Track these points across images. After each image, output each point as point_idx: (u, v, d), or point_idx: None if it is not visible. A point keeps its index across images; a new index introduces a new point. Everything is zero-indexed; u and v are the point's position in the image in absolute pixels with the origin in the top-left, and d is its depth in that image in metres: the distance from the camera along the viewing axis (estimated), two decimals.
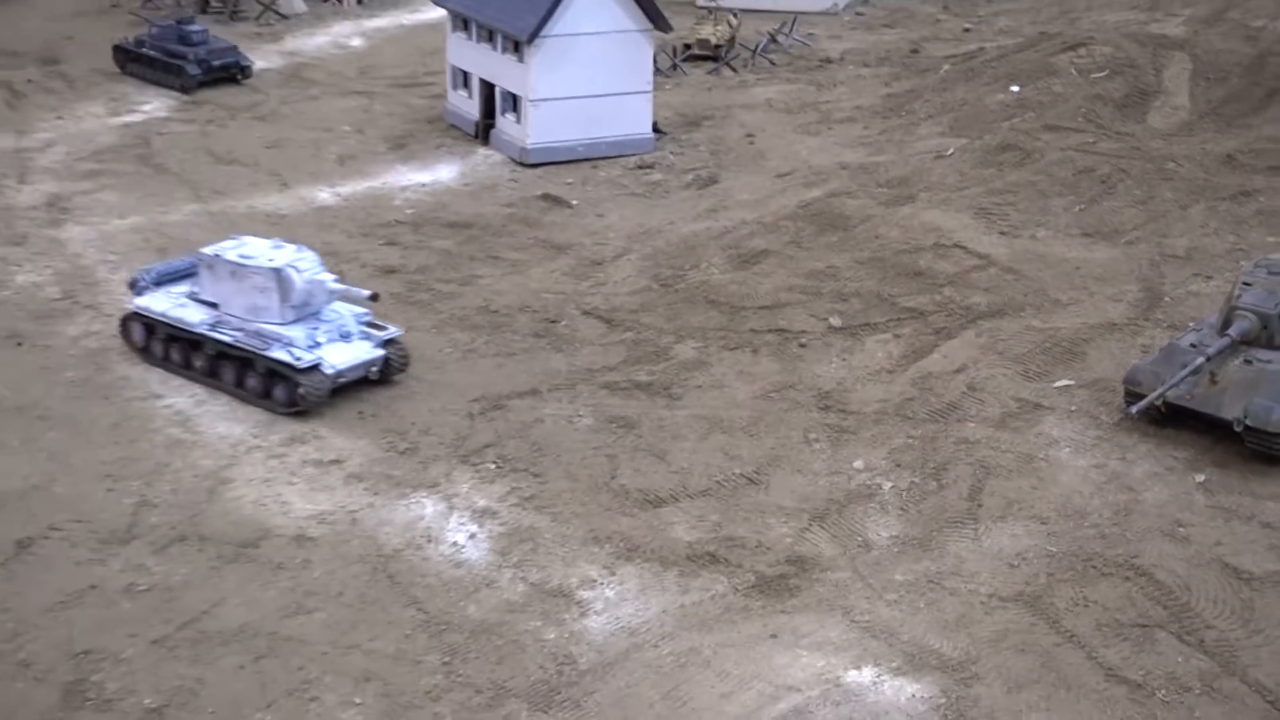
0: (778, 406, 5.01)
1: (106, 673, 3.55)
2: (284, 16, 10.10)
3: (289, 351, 5.57)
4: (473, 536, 4.44)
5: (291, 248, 5.68)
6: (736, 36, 10.13)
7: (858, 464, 4.81)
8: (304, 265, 5.69)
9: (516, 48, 7.66)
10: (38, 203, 6.65)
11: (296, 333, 5.58)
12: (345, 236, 6.45)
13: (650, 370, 5.21)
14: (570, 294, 5.86)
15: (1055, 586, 4.22)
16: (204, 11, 10.35)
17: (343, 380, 5.80)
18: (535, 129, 7.59)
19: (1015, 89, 8.45)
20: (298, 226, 6.57)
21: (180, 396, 5.14)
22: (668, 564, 4.17)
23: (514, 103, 7.77)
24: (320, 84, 8.67)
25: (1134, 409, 5.11)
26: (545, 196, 6.95)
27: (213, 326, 5.47)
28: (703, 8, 10.80)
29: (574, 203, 6.89)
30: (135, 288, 5.87)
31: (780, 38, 9.72)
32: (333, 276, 5.54)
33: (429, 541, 4.41)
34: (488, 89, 7.94)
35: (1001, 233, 6.50)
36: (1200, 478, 4.82)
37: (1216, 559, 4.17)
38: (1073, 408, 5.11)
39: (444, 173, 7.39)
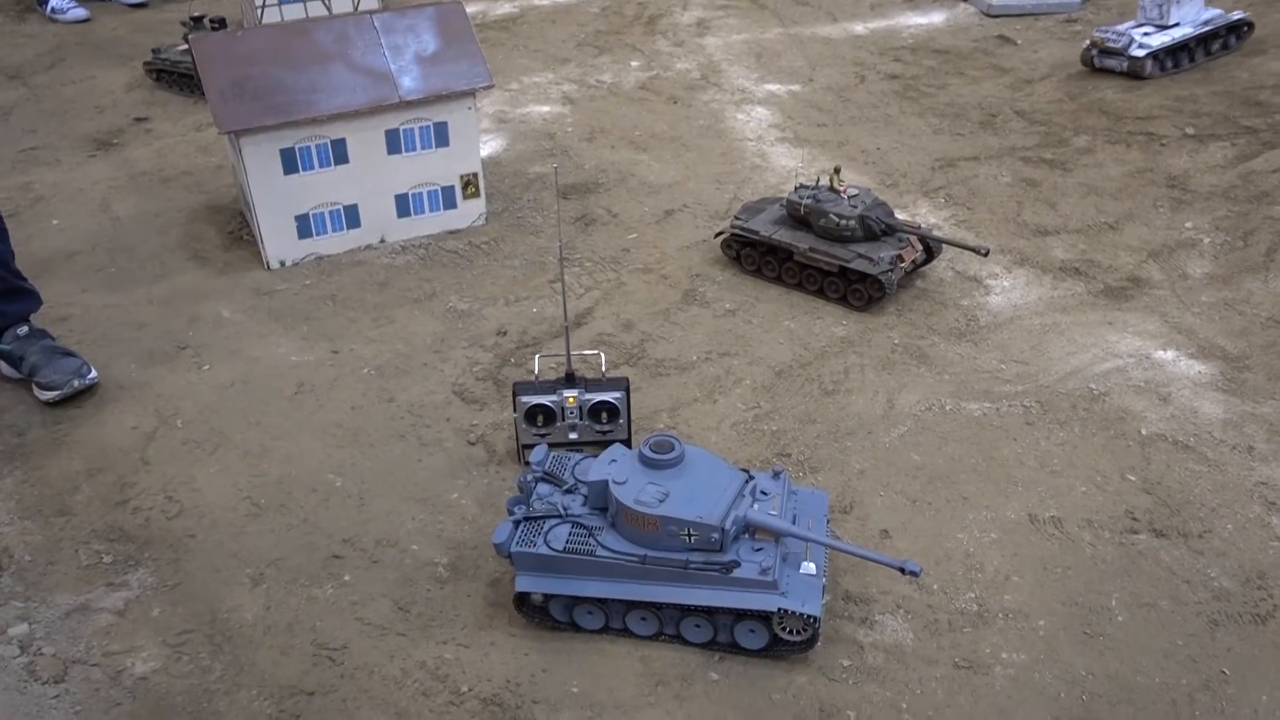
0: (1137, 182, 4.46)
1: (706, 287, 3.68)
2: None
3: None
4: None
5: None
6: None
7: (1188, 224, 4.24)
8: None
9: None
10: (691, 23, 6.62)
11: None
12: (868, 54, 6.11)
13: (1053, 151, 4.73)
14: (1006, 99, 5.34)
15: None
16: None
17: None
18: None
19: None
20: (840, 46, 6.29)
21: (762, 144, 5.23)
22: (1045, 271, 3.85)
23: None
24: None
25: None
26: (1000, 37, 6.26)
27: None
28: None
29: (1019, 41, 6.23)
30: None
31: None
32: None
33: None
34: None
35: None
36: None
37: None
38: None
39: (936, 18, 6.80)
